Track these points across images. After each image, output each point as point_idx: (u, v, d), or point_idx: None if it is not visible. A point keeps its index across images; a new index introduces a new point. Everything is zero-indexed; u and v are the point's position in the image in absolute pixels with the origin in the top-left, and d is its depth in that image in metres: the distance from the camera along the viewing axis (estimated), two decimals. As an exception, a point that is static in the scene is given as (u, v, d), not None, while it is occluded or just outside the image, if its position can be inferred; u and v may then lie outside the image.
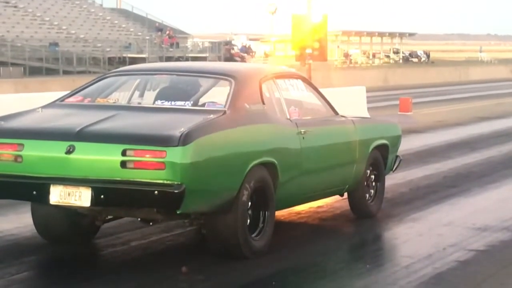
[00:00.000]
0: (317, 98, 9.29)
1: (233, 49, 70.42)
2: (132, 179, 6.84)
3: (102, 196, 6.96)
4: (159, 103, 7.81)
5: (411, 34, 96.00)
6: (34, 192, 7.19)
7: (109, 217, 8.16)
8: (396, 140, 10.66)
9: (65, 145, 7.03)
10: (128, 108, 7.84)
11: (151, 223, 8.17)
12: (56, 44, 51.86)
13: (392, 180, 12.35)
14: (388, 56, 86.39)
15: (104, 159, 6.93)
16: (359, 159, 9.50)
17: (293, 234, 9.18)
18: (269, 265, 7.67)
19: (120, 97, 8.24)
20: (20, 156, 7.17)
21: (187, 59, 56.96)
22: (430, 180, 13.10)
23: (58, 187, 7.06)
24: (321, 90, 9.70)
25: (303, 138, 8.38)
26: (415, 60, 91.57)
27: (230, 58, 64.75)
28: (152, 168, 6.79)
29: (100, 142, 6.98)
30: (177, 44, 62.39)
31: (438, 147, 17.50)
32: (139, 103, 8.09)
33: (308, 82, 9.46)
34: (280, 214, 9.38)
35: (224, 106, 7.63)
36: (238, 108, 7.71)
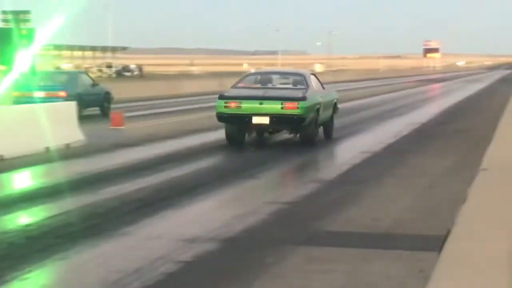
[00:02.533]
0: (319, 83, 21.94)
1: None
2: (286, 114, 19.09)
3: (274, 119, 19.13)
4: (280, 85, 20.94)
5: (123, 48, 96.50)
6: (246, 119, 19.19)
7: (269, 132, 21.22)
8: (337, 98, 23.72)
9: (258, 101, 19.33)
10: (270, 87, 20.60)
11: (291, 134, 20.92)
12: None
13: (102, 195, 12.33)
14: (100, 70, 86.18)
15: (275, 105, 19.14)
16: (330, 108, 22.17)
17: None
18: None
19: (257, 83, 21.20)
20: (240, 106, 19.25)
21: None
22: (142, 194, 13.22)
23: (256, 117, 19.09)
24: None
25: (322, 98, 20.98)
26: (128, 74, 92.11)
27: None
28: (292, 108, 19.06)
29: (274, 100, 19.32)
30: None
31: (150, 160, 17.70)
32: (274, 85, 20.96)
33: (316, 76, 22.25)
34: None
35: (305, 86, 20.23)
36: (310, 87, 20.33)
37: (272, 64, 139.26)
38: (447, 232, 5.74)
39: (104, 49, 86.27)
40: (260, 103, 19.32)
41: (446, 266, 4.69)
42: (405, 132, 25.05)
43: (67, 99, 26.92)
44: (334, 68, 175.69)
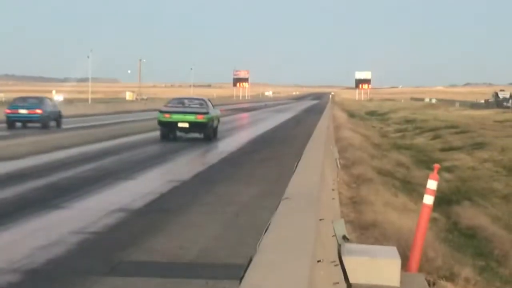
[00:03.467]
0: (211, 105, 36.81)
1: None
2: (197, 121, 33.76)
3: (191, 125, 33.88)
4: (192, 105, 35.56)
5: None
6: (175, 124, 33.84)
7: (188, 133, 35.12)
8: (220, 115, 39.00)
9: (182, 114, 34.00)
10: (187, 106, 35.21)
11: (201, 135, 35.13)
12: None
13: None
14: None
15: (191, 116, 33.89)
16: (217, 120, 36.66)
17: None
18: None
19: (179, 104, 35.99)
20: (171, 116, 33.85)
21: None
22: None
23: (181, 123, 33.74)
24: None
25: (214, 113, 36.05)
26: None
27: None
28: (200, 118, 33.88)
29: (190, 114, 34.02)
30: None
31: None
32: (189, 105, 35.67)
33: (210, 101, 38.29)
34: None
35: (206, 106, 35.46)
36: (209, 107, 35.78)
37: (83, 91, 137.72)
38: (248, 261, 5.81)
39: None
40: (183, 115, 34.03)
41: (246, 295, 4.73)
42: (213, 161, 25.32)
43: (42, 115, 43.09)
44: (145, 97, 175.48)
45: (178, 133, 34.77)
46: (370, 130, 59.46)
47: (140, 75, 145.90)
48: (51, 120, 44.10)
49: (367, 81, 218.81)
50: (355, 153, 29.24)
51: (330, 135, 28.57)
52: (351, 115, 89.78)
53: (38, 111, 42.91)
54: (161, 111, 34.49)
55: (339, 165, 20.86)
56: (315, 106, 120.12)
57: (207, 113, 34.37)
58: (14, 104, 45.02)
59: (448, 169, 29.14)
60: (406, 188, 22.94)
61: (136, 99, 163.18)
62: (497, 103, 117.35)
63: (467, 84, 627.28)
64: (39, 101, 44.53)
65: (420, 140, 48.88)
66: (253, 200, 16.38)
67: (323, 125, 33.40)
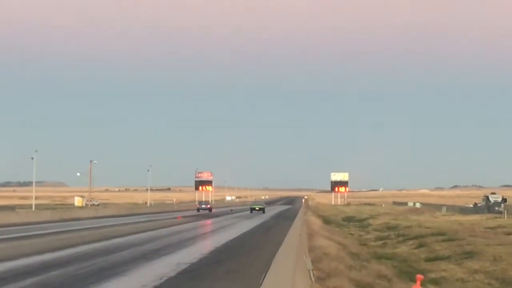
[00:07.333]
0: (263, 202, 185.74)
1: None
2: (261, 207, 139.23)
3: (259, 208, 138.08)
4: (259, 202, 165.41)
5: None
6: (255, 207, 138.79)
7: None
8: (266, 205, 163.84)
9: (256, 204, 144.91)
10: (257, 202, 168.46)
11: None
12: None
13: None
14: None
15: (259, 206, 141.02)
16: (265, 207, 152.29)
17: None
18: None
19: (255, 202, 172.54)
20: (253, 205, 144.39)
21: None
22: None
23: (256, 207, 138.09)
24: None
25: (265, 204, 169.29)
26: None
27: None
28: (262, 206, 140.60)
29: (259, 204, 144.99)
30: None
31: None
32: (258, 201, 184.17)
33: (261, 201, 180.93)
34: None
35: (263, 203, 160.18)
36: (264, 203, 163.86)
37: (25, 197, 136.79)
38: None
39: None
40: (257, 205, 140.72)
41: None
42: (172, 274, 25.06)
43: (209, 208, 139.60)
44: (97, 202, 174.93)
45: (253, 212, 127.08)
46: (348, 238, 59.46)
47: (91, 178, 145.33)
48: (211, 210, 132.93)
49: (344, 184, 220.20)
50: (331, 264, 29.10)
51: (303, 244, 28.48)
52: (327, 221, 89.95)
53: (209, 206, 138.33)
54: (252, 204, 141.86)
55: (312, 277, 20.73)
56: (286, 212, 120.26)
57: (264, 204, 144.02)
58: (200, 203, 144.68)
59: (435, 281, 29.09)
60: (388, 303, 22.78)
61: (86, 204, 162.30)
62: (488, 207, 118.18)
63: (455, 187, 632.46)
64: (207, 202, 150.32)
65: (403, 249, 48.89)
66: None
67: (295, 233, 33.36)
